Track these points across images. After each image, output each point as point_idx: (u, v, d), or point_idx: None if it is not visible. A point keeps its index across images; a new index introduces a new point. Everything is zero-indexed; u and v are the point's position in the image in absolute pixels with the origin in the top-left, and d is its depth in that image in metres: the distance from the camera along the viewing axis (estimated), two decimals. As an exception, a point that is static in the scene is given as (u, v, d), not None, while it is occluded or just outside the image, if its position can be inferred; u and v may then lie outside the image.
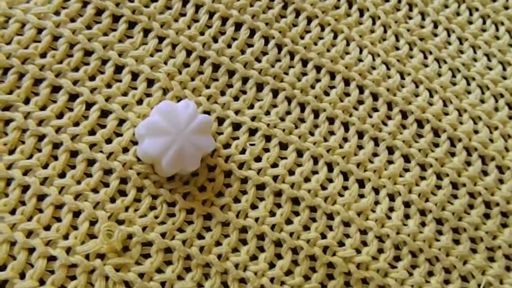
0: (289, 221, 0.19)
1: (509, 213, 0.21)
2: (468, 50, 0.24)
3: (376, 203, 0.20)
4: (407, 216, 0.20)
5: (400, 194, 0.20)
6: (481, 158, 0.22)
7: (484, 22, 0.25)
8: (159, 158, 0.17)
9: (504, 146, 0.22)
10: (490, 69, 0.24)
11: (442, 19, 0.24)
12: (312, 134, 0.21)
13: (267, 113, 0.20)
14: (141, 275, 0.17)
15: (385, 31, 0.23)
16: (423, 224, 0.20)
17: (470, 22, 0.25)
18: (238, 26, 0.21)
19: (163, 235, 0.18)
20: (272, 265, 0.18)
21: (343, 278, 0.19)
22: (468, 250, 0.20)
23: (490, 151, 0.22)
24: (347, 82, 0.22)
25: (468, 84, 0.23)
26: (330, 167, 0.20)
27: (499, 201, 0.21)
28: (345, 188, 0.20)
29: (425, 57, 0.23)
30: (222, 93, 0.20)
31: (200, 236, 0.18)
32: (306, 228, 0.19)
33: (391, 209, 0.20)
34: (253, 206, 0.19)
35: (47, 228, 0.17)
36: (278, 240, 0.19)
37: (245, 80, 0.20)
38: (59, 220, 0.17)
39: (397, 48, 0.23)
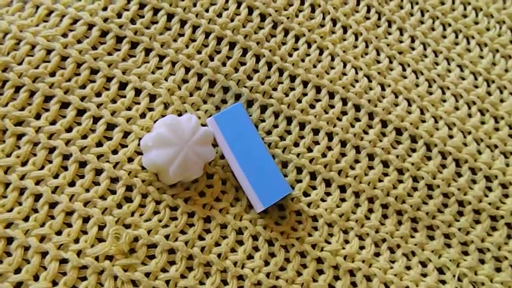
0: (278, 223, 0.21)
1: (481, 210, 0.23)
2: (443, 62, 0.26)
3: (357, 205, 0.22)
4: (385, 216, 0.22)
5: (378, 197, 0.22)
6: (455, 161, 0.24)
7: (456, 36, 0.27)
8: (166, 167, 0.18)
9: (476, 150, 0.24)
10: (463, 79, 0.26)
11: (418, 34, 0.26)
12: (297, 145, 0.22)
13: (256, 127, 0.22)
14: (147, 275, 0.18)
15: (366, 46, 0.25)
16: (399, 222, 0.22)
17: (444, 37, 0.27)
18: (232, 45, 0.23)
19: (166, 237, 0.19)
20: (267, 263, 0.20)
21: (332, 272, 0.20)
22: (442, 244, 0.22)
23: (463, 154, 0.24)
24: (331, 95, 0.24)
25: (443, 93, 0.25)
26: (313, 176, 0.22)
27: (471, 200, 0.23)
28: (328, 194, 0.22)
29: (404, 69, 0.25)
30: (217, 108, 0.22)
31: (201, 238, 0.20)
32: (294, 229, 0.21)
33: (370, 211, 0.22)
34: (247, 210, 0.21)
35: (59, 233, 0.18)
36: (270, 239, 0.20)
37: (237, 96, 0.22)
38: (70, 225, 0.18)
39: (378, 62, 0.25)
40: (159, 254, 0.19)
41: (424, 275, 0.22)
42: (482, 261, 0.22)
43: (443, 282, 0.22)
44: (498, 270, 0.22)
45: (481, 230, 0.23)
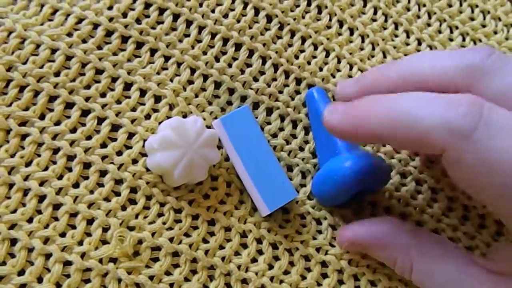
0: (282, 227, 0.21)
1: (487, 215, 0.23)
2: (449, 65, 0.26)
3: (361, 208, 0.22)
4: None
5: (382, 200, 0.22)
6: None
7: (463, 39, 0.27)
8: (171, 170, 0.18)
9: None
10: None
11: (425, 36, 0.26)
12: (302, 150, 0.22)
13: (262, 129, 0.22)
14: (151, 277, 0.18)
15: (373, 48, 0.25)
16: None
17: (451, 39, 0.27)
18: (238, 46, 0.23)
19: (171, 239, 0.19)
20: (271, 266, 0.20)
21: (337, 276, 0.20)
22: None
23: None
24: (338, 97, 0.23)
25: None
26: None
27: (476, 204, 0.23)
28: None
29: (410, 72, 0.25)
30: (223, 110, 0.22)
31: (205, 240, 0.20)
32: (298, 232, 0.21)
33: (373, 214, 0.22)
34: (252, 213, 0.20)
35: (63, 235, 0.18)
36: (274, 242, 0.20)
37: (243, 98, 0.22)
38: (73, 227, 0.18)
39: (384, 64, 0.25)
40: (163, 257, 0.19)
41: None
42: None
43: (448, 287, 0.21)
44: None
45: (487, 234, 0.23)
